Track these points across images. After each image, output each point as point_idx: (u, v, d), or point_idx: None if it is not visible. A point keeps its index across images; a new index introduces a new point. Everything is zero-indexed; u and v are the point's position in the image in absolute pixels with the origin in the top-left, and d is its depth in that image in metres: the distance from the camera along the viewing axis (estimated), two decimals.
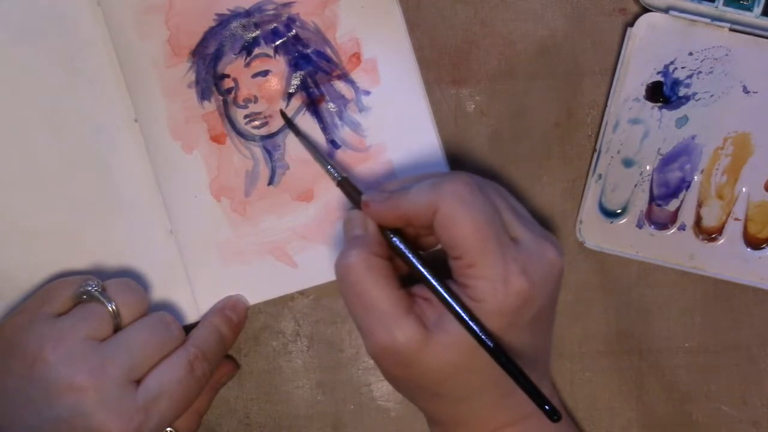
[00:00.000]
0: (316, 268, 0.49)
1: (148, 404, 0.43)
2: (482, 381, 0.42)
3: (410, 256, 0.42)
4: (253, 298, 0.50)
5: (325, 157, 0.48)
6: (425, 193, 0.41)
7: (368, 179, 0.49)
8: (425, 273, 0.41)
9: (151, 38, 0.49)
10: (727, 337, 0.50)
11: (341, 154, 0.49)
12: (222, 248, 0.49)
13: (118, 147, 0.49)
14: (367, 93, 0.49)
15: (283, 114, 0.49)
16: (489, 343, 0.40)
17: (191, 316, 0.49)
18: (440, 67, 0.50)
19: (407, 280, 0.43)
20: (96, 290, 0.45)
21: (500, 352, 0.40)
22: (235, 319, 0.49)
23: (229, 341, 0.48)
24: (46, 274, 0.49)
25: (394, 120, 0.49)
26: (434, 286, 0.41)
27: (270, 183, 0.50)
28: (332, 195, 0.49)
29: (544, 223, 0.50)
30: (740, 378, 0.50)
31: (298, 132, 0.48)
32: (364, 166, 0.49)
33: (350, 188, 0.46)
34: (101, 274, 0.48)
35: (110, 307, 0.44)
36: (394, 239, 0.43)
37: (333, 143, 0.49)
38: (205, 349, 0.46)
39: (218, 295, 0.50)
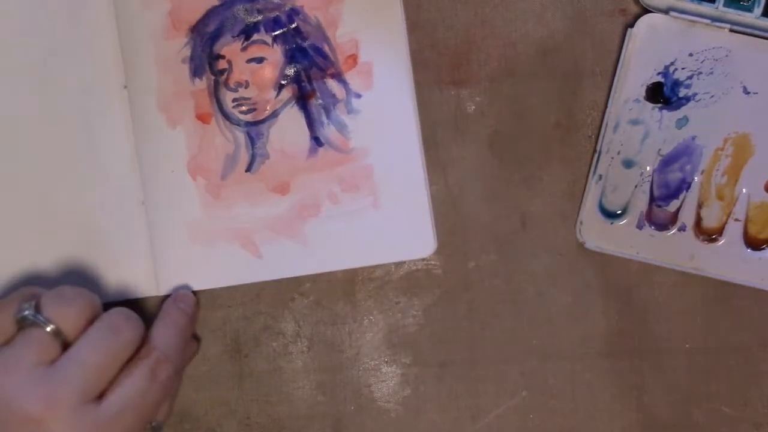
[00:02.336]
0: (281, 262, 0.49)
1: (112, 421, 0.41)
2: None
3: None
4: (213, 283, 0.50)
5: None
6: None
7: (348, 179, 0.49)
8: None
9: (153, 8, 0.49)
10: (728, 338, 0.50)
11: (323, 153, 0.49)
12: (190, 227, 0.49)
13: (103, 110, 0.49)
14: (359, 96, 0.49)
15: None
16: None
17: (149, 290, 0.49)
18: (440, 68, 0.50)
19: None
20: (31, 314, 0.42)
21: None
22: (189, 310, 0.48)
23: (188, 332, 0.47)
24: (16, 227, 0.49)
25: (381, 127, 0.49)
26: None
27: (248, 170, 0.49)
28: (308, 191, 0.49)
29: (544, 223, 0.50)
30: (741, 379, 0.50)
31: None
32: (344, 168, 0.49)
33: None
34: (70, 234, 0.48)
35: (50, 329, 0.42)
36: None
37: (316, 140, 0.49)
38: (166, 349, 0.44)
39: (179, 273, 0.49)
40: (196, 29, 0.49)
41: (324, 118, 0.49)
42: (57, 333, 0.42)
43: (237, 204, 0.49)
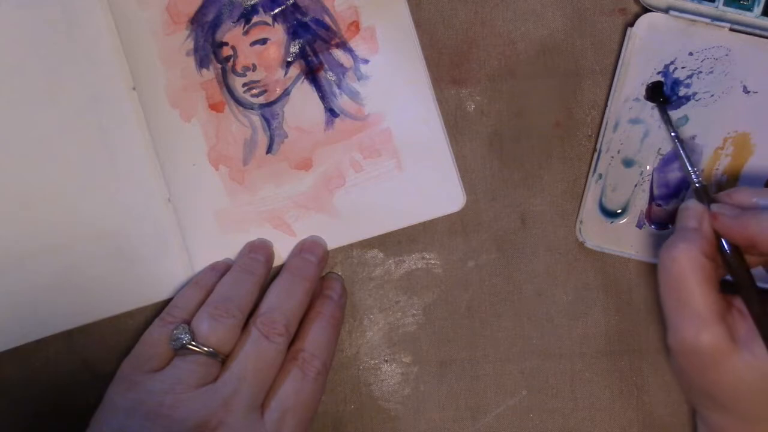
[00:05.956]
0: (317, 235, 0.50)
1: (277, 426, 0.43)
2: None
3: (740, 270, 0.42)
4: None
5: (690, 159, 0.46)
6: None
7: (368, 146, 0.49)
8: (751, 292, 0.42)
9: (150, 6, 0.49)
10: None
11: (339, 123, 0.49)
12: (220, 217, 0.49)
13: (116, 115, 0.49)
14: (366, 61, 0.49)
15: (661, 107, 0.47)
16: None
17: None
18: (440, 67, 0.50)
19: (723, 285, 0.43)
20: (188, 342, 0.44)
21: None
22: (335, 297, 0.48)
23: (337, 319, 0.48)
24: (46, 243, 0.49)
25: (393, 88, 0.49)
26: (756, 308, 0.41)
27: (268, 151, 0.49)
28: (331, 163, 0.49)
29: (544, 222, 0.50)
30: None
31: (671, 124, 0.47)
32: (362, 135, 0.49)
33: (705, 196, 0.44)
34: (100, 243, 0.48)
35: (206, 351, 0.44)
36: (727, 249, 0.42)
37: (331, 112, 0.49)
38: (309, 346, 0.46)
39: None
40: (196, 20, 0.49)
41: (335, 89, 0.49)
42: (214, 354, 0.44)
43: (263, 187, 0.49)
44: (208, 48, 0.49)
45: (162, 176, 0.49)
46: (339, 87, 0.49)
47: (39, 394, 0.50)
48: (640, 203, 0.49)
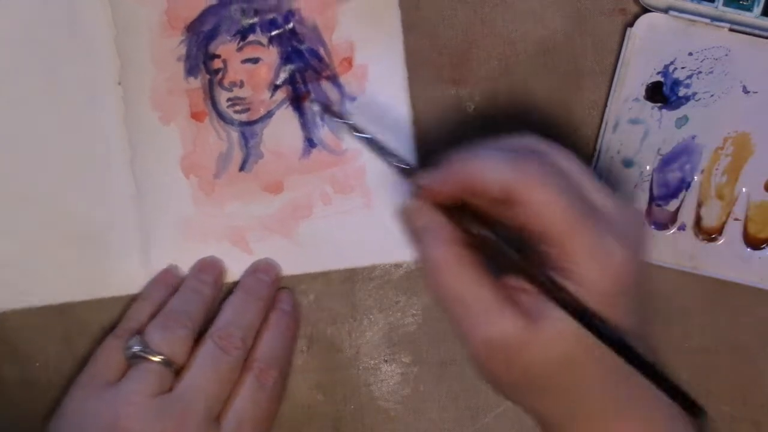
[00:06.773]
0: (273, 258, 0.50)
1: None
2: (594, 371, 0.38)
3: (501, 243, 0.38)
4: None
5: (386, 148, 0.44)
6: (503, 169, 0.37)
7: (341, 181, 0.49)
8: (519, 260, 0.38)
9: (150, 5, 0.49)
10: (727, 337, 0.50)
11: (316, 154, 0.49)
12: (183, 224, 0.49)
13: (96, 105, 0.49)
14: (353, 99, 0.49)
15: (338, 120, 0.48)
16: (604, 329, 0.36)
17: (141, 285, 0.50)
18: (440, 67, 0.50)
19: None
20: (140, 351, 0.44)
21: (615, 337, 0.36)
22: (287, 309, 0.49)
23: (291, 330, 0.48)
24: (9, 218, 0.49)
25: (375, 130, 0.49)
26: (531, 272, 0.37)
27: (241, 169, 0.49)
28: (301, 192, 0.49)
29: None
30: (740, 378, 0.49)
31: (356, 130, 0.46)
32: (337, 169, 0.49)
33: (408, 176, 0.41)
34: (63, 225, 0.49)
35: (159, 360, 0.44)
36: (482, 232, 0.39)
37: (310, 141, 0.49)
38: (265, 356, 0.46)
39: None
40: (192, 28, 0.49)
41: (318, 120, 0.49)
42: (167, 363, 0.44)
43: (230, 202, 0.49)
44: (200, 57, 0.49)
45: (131, 174, 0.49)
46: (322, 119, 0.49)
47: (39, 394, 0.50)
48: (640, 204, 0.49)
